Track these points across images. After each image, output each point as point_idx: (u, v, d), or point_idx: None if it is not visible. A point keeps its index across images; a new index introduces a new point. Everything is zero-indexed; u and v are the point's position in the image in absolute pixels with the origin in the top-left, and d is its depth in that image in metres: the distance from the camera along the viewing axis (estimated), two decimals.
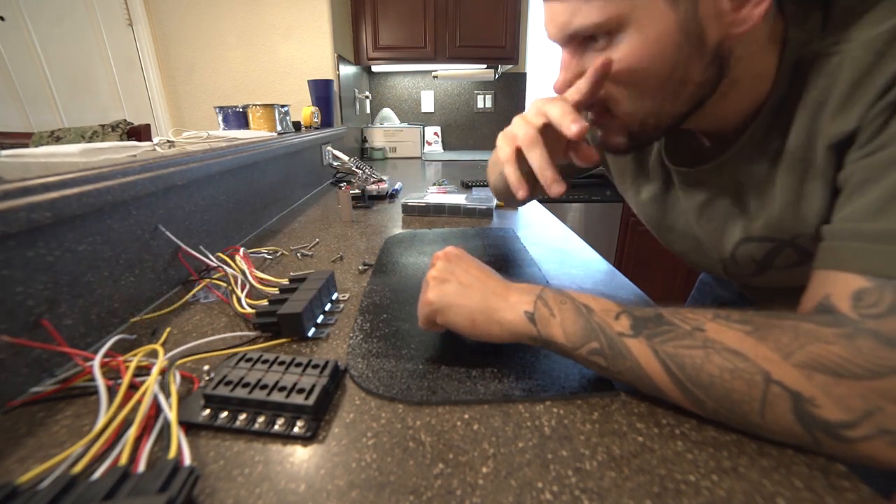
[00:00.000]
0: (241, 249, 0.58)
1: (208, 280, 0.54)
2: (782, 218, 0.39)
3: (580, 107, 0.38)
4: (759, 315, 0.28)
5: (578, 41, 0.37)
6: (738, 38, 0.34)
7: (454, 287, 0.36)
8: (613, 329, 0.31)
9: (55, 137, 0.94)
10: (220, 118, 1.23)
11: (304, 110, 1.40)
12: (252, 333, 0.43)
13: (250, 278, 0.51)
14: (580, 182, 1.82)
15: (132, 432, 0.27)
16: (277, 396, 0.31)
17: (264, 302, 0.46)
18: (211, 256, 0.57)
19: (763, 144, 0.39)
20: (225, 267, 0.53)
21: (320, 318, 0.46)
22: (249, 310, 0.45)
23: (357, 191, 1.04)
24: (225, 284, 0.51)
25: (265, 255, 0.66)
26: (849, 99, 0.31)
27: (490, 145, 2.50)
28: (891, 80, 0.29)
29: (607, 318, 0.32)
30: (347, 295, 0.52)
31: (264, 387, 0.32)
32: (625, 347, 0.30)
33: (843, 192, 0.32)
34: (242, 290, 0.48)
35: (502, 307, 0.35)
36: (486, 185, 1.31)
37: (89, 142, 0.94)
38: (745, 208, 0.43)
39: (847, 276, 0.28)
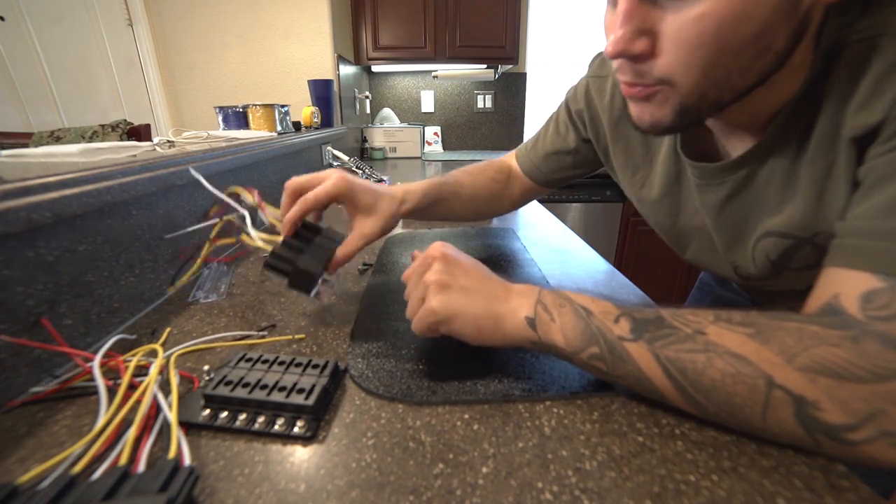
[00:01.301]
0: (256, 190, 0.49)
1: (227, 217, 0.48)
2: (805, 214, 0.37)
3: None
4: (763, 317, 0.28)
5: None
6: (822, 7, 0.30)
7: (458, 294, 0.34)
8: (613, 333, 0.30)
9: (55, 137, 0.94)
10: (220, 118, 1.23)
11: (304, 110, 1.40)
12: (252, 333, 0.43)
13: (266, 217, 0.47)
14: (580, 182, 1.82)
15: (132, 432, 0.27)
16: (277, 396, 0.31)
17: (278, 239, 0.44)
18: (223, 195, 0.48)
19: (788, 137, 0.37)
20: (237, 206, 0.47)
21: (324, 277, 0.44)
22: (261, 244, 0.42)
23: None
24: (236, 220, 0.47)
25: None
26: (875, 90, 0.29)
27: (490, 145, 2.51)
28: None
29: (607, 321, 0.31)
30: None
31: (264, 387, 0.32)
32: (625, 352, 0.30)
33: (861, 188, 0.31)
34: (257, 226, 0.45)
35: (504, 313, 0.34)
36: None
37: (89, 142, 0.94)
38: (769, 204, 0.41)
39: (858, 274, 0.27)
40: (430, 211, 0.58)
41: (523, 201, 0.70)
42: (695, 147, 0.46)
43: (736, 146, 0.42)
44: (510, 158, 0.69)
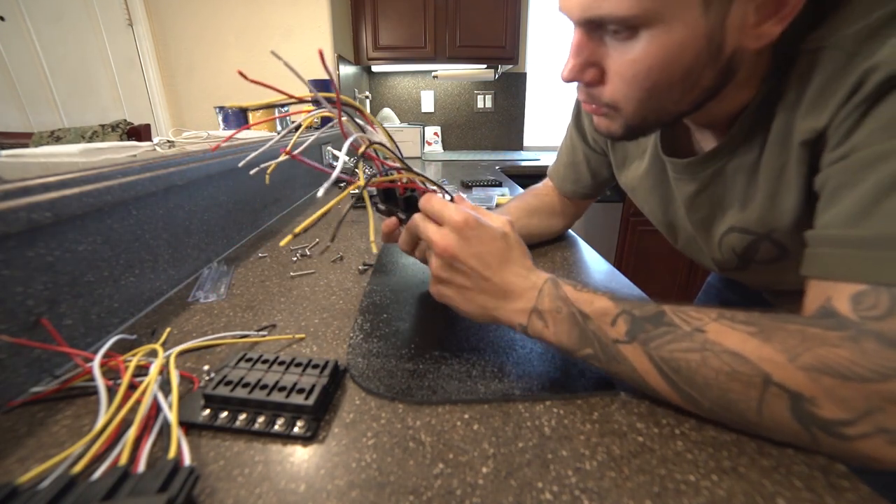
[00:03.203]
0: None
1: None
2: (761, 212, 0.40)
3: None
4: (765, 317, 0.28)
5: (596, 25, 0.34)
6: (750, 51, 0.33)
7: (453, 292, 0.36)
8: (609, 336, 0.31)
9: (55, 137, 0.94)
10: (220, 118, 1.23)
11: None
12: (252, 333, 0.43)
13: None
14: None
15: (132, 432, 0.27)
16: (277, 396, 0.31)
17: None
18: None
19: (749, 139, 0.39)
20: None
21: None
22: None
23: (357, 191, 1.04)
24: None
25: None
26: (821, 96, 0.32)
27: (490, 145, 2.51)
28: (860, 79, 0.29)
29: (603, 324, 0.31)
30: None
31: (264, 387, 0.32)
32: (619, 354, 0.30)
33: (822, 197, 0.32)
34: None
35: (500, 316, 0.35)
36: (486, 185, 1.31)
37: (89, 142, 0.94)
38: (731, 201, 0.43)
39: (845, 283, 0.28)
40: None
41: (574, 217, 0.74)
42: (674, 142, 0.48)
43: (707, 142, 0.44)
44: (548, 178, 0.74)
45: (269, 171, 0.35)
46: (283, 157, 0.30)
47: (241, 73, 0.29)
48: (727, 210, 0.44)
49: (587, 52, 0.35)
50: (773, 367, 0.26)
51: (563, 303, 0.33)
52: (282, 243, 0.27)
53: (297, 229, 0.26)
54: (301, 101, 0.32)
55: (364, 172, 0.35)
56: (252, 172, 0.26)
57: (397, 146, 0.39)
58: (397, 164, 0.38)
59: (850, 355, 0.25)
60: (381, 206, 0.43)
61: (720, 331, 0.28)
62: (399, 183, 0.38)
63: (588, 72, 0.36)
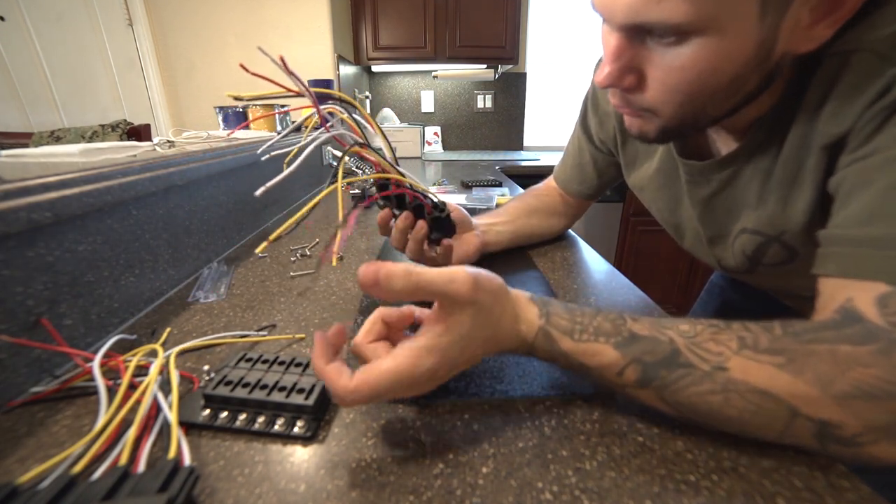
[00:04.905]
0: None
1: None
2: (774, 213, 0.40)
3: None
4: (790, 338, 0.27)
5: (642, 29, 0.31)
6: (797, 55, 0.31)
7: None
8: (616, 383, 0.29)
9: (55, 137, 0.94)
10: (220, 118, 1.23)
11: (305, 110, 1.40)
12: (252, 333, 0.43)
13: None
14: None
15: (132, 432, 0.27)
16: (277, 396, 0.31)
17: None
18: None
19: (768, 141, 0.39)
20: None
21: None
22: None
23: (357, 191, 1.04)
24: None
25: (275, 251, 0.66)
26: (846, 101, 0.31)
27: (490, 145, 2.51)
28: (889, 83, 0.28)
29: (609, 374, 0.29)
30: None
31: (264, 387, 0.32)
32: (630, 394, 0.30)
33: (837, 198, 0.32)
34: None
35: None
36: (486, 185, 1.31)
37: (89, 142, 0.94)
38: (746, 203, 0.43)
39: (856, 282, 0.28)
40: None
41: (575, 217, 0.74)
42: (689, 144, 0.48)
43: (727, 144, 0.44)
44: (551, 178, 0.74)
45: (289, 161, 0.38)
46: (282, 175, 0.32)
47: (242, 66, 0.31)
48: (741, 212, 0.44)
49: (627, 57, 0.33)
50: (804, 403, 0.25)
51: (561, 356, 0.30)
52: (257, 250, 0.27)
53: (272, 236, 0.26)
54: (293, 94, 0.35)
55: (354, 169, 0.42)
56: (258, 193, 0.27)
57: (390, 145, 0.44)
58: (387, 164, 0.43)
59: (882, 373, 0.24)
60: (381, 202, 0.48)
61: (745, 367, 0.26)
62: (394, 186, 0.44)
63: (627, 78, 0.34)
